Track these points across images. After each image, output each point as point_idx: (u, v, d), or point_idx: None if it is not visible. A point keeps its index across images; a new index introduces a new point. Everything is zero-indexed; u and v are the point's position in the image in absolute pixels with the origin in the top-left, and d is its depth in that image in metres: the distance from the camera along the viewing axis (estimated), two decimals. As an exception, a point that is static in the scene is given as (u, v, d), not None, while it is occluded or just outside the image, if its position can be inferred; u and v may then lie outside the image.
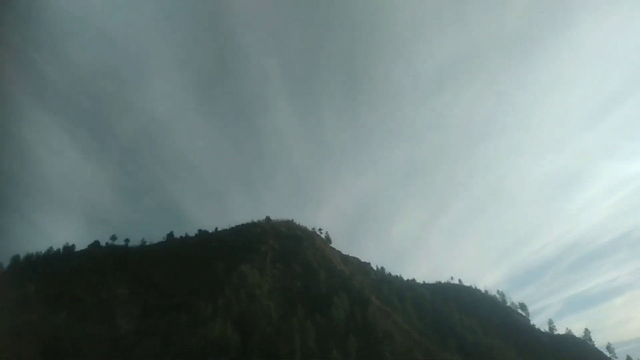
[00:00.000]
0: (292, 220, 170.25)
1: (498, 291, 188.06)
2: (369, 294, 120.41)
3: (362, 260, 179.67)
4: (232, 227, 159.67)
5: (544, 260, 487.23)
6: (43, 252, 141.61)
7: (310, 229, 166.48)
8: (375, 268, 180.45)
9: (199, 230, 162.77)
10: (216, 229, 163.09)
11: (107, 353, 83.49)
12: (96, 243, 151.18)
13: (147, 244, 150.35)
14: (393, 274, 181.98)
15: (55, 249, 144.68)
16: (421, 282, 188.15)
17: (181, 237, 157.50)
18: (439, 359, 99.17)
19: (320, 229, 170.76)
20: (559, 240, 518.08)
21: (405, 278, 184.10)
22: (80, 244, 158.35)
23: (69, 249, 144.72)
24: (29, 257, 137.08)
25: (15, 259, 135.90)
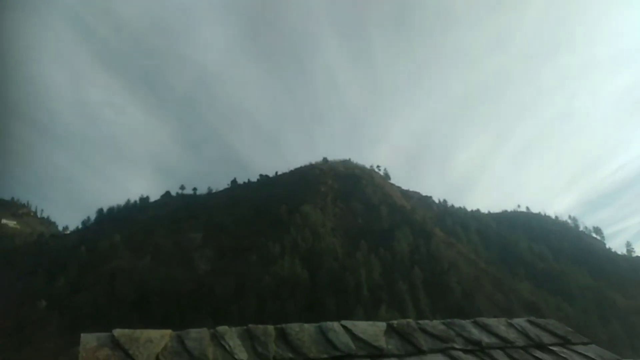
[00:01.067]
0: (349, 159, 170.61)
1: (570, 216, 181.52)
2: (431, 226, 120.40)
3: (423, 194, 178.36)
4: (292, 170, 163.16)
5: (622, 181, 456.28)
6: (122, 204, 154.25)
7: (368, 166, 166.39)
8: (437, 201, 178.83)
9: (260, 175, 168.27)
10: (276, 173, 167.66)
11: (190, 291, 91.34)
12: (167, 193, 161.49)
13: (214, 191, 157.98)
14: (456, 205, 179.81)
15: (132, 201, 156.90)
16: (486, 212, 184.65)
17: (244, 182, 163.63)
18: (507, 286, 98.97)
19: (378, 166, 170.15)
20: (638, 159, 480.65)
21: (469, 209, 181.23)
22: (154, 195, 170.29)
23: (144, 200, 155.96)
24: (111, 210, 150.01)
25: (100, 212, 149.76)
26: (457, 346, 3.11)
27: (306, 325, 2.93)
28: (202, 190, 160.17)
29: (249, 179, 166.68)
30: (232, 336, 2.72)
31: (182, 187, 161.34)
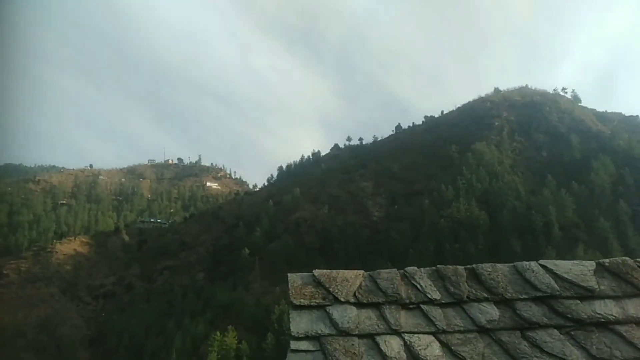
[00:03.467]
0: (526, 85, 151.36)
1: None
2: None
3: (626, 114, 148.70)
4: (458, 107, 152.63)
5: None
6: (298, 161, 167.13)
7: (550, 91, 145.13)
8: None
9: (425, 117, 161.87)
10: (442, 112, 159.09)
11: (367, 237, 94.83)
12: (336, 146, 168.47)
13: (379, 139, 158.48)
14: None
15: (306, 157, 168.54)
16: None
17: (409, 127, 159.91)
18: None
19: (564, 89, 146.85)
20: None
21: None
22: (324, 149, 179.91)
23: (316, 155, 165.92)
24: (289, 167, 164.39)
25: (280, 170, 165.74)
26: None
27: (499, 265, 2.80)
28: (367, 139, 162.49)
29: (413, 123, 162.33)
30: (422, 276, 2.77)
31: (349, 139, 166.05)
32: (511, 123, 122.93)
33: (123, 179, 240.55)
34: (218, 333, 69.09)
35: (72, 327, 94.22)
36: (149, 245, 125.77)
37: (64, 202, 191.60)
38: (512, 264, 2.83)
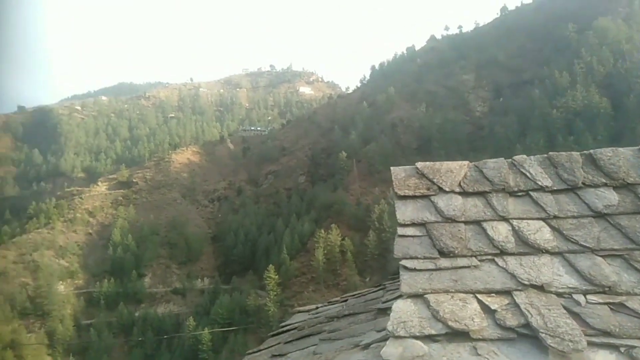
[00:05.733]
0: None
1: None
2: None
3: None
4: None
5: None
6: (390, 59, 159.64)
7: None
8: None
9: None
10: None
11: (469, 134, 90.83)
12: (432, 38, 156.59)
13: (481, 25, 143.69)
14: None
15: (399, 53, 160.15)
16: None
17: (516, 7, 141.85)
18: None
19: None
20: None
21: None
22: (419, 43, 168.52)
23: (410, 50, 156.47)
24: (382, 66, 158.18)
25: (373, 69, 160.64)
26: None
27: (621, 150, 2.61)
28: (468, 27, 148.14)
29: (521, 2, 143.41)
30: (532, 164, 2.68)
31: (447, 28, 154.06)
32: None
33: (221, 90, 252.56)
34: (322, 231, 74.38)
35: (195, 226, 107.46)
36: (252, 152, 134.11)
37: (172, 115, 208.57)
38: (637, 147, 2.62)
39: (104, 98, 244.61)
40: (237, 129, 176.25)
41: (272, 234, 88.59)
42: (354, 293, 4.65)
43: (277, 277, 69.35)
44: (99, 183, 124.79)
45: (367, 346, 2.21)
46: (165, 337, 68.51)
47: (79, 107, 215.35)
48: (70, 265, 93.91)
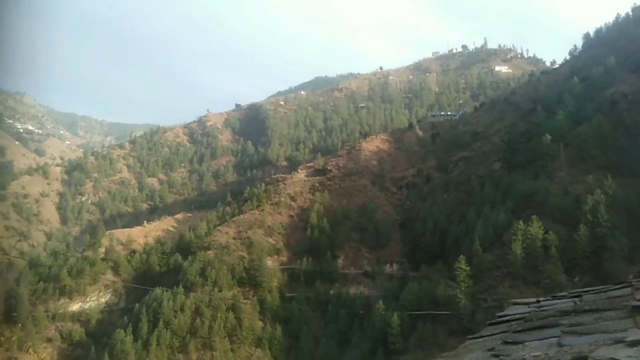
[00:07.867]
0: None
1: None
2: None
3: None
4: None
5: None
6: (610, 23, 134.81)
7: None
8: None
9: None
10: None
11: None
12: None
13: None
14: None
15: (623, 14, 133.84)
16: None
17: None
18: None
19: None
20: None
21: None
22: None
23: (637, 10, 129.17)
24: (598, 32, 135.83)
25: (587, 37, 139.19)
26: None
27: None
28: None
29: None
30: None
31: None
32: None
33: (410, 76, 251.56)
34: (521, 222, 67.98)
35: (384, 212, 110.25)
36: (442, 138, 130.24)
37: (363, 105, 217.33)
38: None
39: (302, 93, 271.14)
40: (426, 115, 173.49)
41: (463, 223, 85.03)
42: (587, 289, 4.19)
43: (468, 268, 66.45)
44: (299, 170, 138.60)
45: (634, 343, 1.99)
46: (357, 315, 72.98)
47: (282, 102, 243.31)
48: (276, 243, 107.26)
